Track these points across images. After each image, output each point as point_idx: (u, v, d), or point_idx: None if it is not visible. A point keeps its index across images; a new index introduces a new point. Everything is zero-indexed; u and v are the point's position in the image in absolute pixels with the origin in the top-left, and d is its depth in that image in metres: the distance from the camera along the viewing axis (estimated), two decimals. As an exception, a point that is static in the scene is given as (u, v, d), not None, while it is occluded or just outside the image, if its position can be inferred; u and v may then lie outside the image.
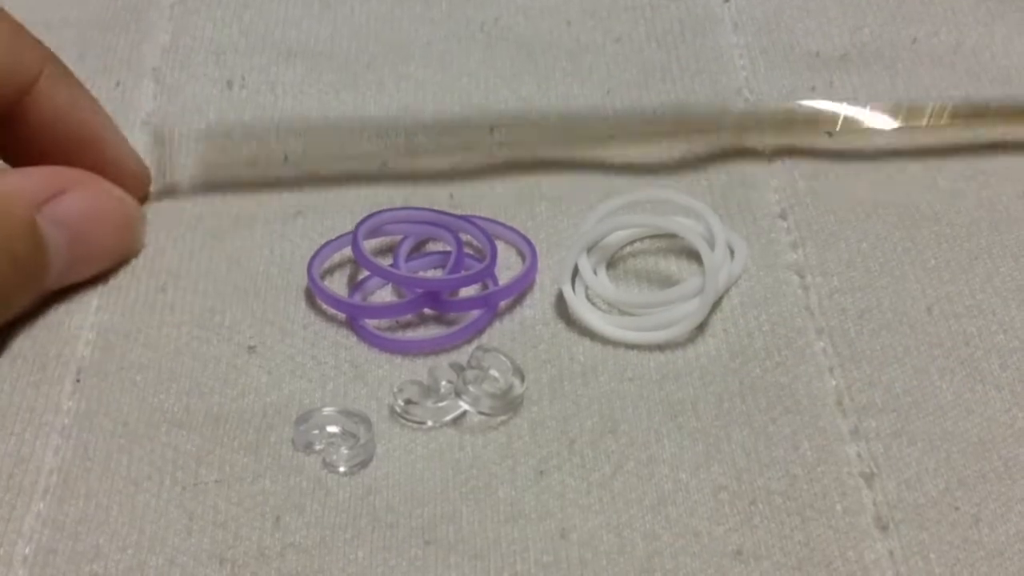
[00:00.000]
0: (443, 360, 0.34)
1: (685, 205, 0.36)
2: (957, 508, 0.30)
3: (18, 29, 0.36)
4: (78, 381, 0.34)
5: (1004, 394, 0.33)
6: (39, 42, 0.36)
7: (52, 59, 0.36)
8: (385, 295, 0.37)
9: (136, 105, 0.43)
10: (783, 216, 0.38)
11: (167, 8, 0.46)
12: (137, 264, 0.37)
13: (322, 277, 0.36)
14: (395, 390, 0.33)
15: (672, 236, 0.37)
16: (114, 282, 0.37)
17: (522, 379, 0.33)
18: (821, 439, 0.32)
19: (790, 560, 0.29)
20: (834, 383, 0.33)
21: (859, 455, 0.31)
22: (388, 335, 0.35)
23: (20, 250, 0.34)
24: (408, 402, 0.33)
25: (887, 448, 0.32)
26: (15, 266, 0.34)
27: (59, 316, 0.36)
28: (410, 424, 0.33)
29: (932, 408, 0.32)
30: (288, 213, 0.39)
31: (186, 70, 0.44)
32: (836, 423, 0.32)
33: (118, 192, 0.37)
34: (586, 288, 0.36)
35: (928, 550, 0.29)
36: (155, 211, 0.39)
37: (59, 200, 0.35)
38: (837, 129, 0.40)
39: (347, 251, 0.37)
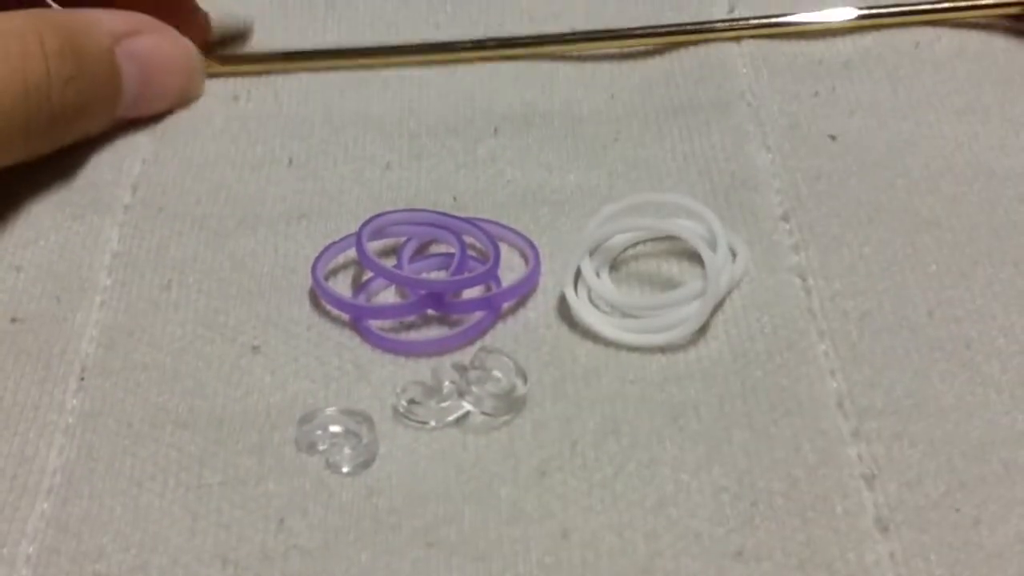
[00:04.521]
0: (446, 361, 0.34)
1: (687, 207, 0.36)
2: (958, 510, 0.30)
3: None
4: (82, 380, 0.34)
5: (1004, 397, 0.33)
6: None
7: None
8: (389, 296, 0.37)
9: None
10: (785, 219, 0.38)
11: None
12: (141, 261, 0.38)
13: (326, 278, 0.37)
14: (398, 390, 0.33)
15: (674, 239, 0.37)
16: (118, 278, 0.37)
17: (525, 380, 0.33)
18: (822, 441, 0.32)
19: (791, 561, 0.30)
20: (835, 385, 0.33)
21: (860, 457, 0.32)
22: (392, 336, 0.35)
23: (101, 73, 0.39)
24: (411, 402, 0.33)
25: (888, 450, 0.32)
26: (95, 86, 0.39)
27: (63, 312, 0.36)
28: (413, 424, 0.33)
29: (933, 410, 0.32)
30: (292, 215, 0.39)
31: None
32: (837, 425, 0.32)
33: (184, 40, 0.42)
34: (588, 290, 0.36)
35: (929, 552, 0.30)
36: (161, 206, 0.39)
37: (134, 38, 0.40)
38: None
39: (351, 252, 0.37)
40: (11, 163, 0.38)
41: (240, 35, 0.45)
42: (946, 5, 0.44)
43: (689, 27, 0.44)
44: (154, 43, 0.41)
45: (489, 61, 0.44)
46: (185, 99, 0.43)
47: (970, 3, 0.44)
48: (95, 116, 0.40)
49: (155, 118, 0.43)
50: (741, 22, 0.44)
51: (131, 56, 0.40)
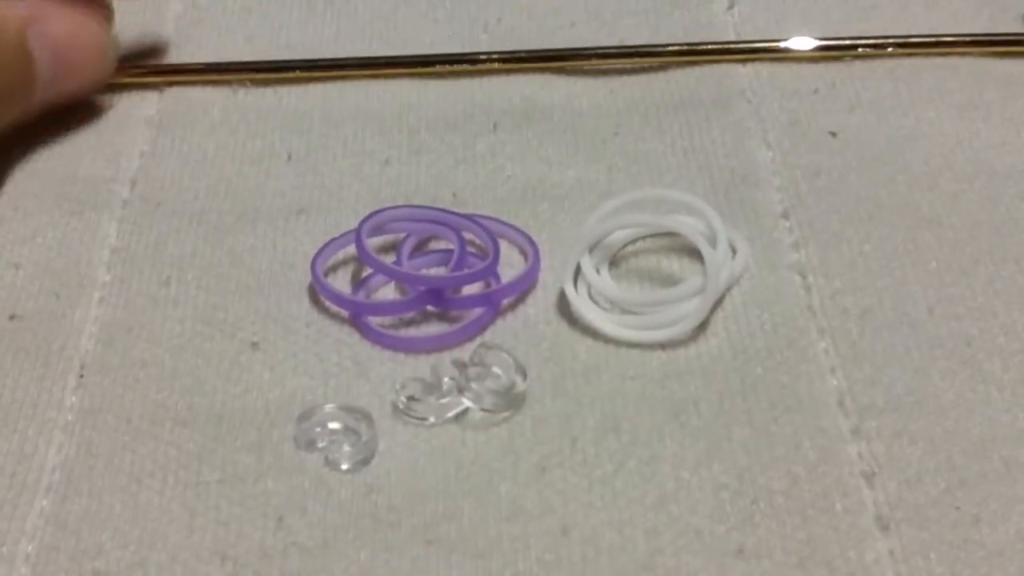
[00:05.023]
0: (446, 357, 0.34)
1: (687, 203, 0.36)
2: (958, 508, 0.30)
3: None
4: (81, 376, 0.34)
5: (1005, 395, 0.33)
6: None
7: None
8: (388, 292, 0.37)
9: (141, 107, 0.43)
10: (785, 216, 0.38)
11: (172, 19, 0.46)
12: (140, 257, 0.37)
13: (325, 274, 0.36)
14: (397, 387, 0.33)
15: (674, 235, 0.37)
16: (116, 274, 0.37)
17: (524, 376, 0.33)
18: (822, 439, 0.32)
19: (791, 559, 0.30)
20: (836, 383, 0.33)
21: (860, 455, 0.32)
22: (391, 332, 0.35)
23: (14, 63, 0.39)
24: (411, 399, 0.33)
25: (888, 448, 0.32)
26: (10, 76, 0.39)
27: (61, 308, 0.36)
28: (412, 421, 0.33)
29: (933, 408, 0.32)
30: (291, 210, 0.39)
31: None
32: (837, 423, 0.32)
33: (92, 22, 0.42)
34: (588, 287, 0.36)
35: (929, 550, 0.30)
36: (159, 201, 0.39)
37: (44, 24, 0.40)
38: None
39: (350, 248, 0.37)
40: None
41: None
42: (916, 40, 0.44)
43: (687, 48, 0.44)
44: (64, 27, 0.41)
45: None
46: (98, 81, 0.42)
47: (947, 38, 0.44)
48: (11, 106, 0.40)
49: (152, 111, 0.43)
50: (734, 45, 0.44)
51: (43, 42, 0.40)
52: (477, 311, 0.35)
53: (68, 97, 0.42)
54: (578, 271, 0.36)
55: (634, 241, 0.37)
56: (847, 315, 0.35)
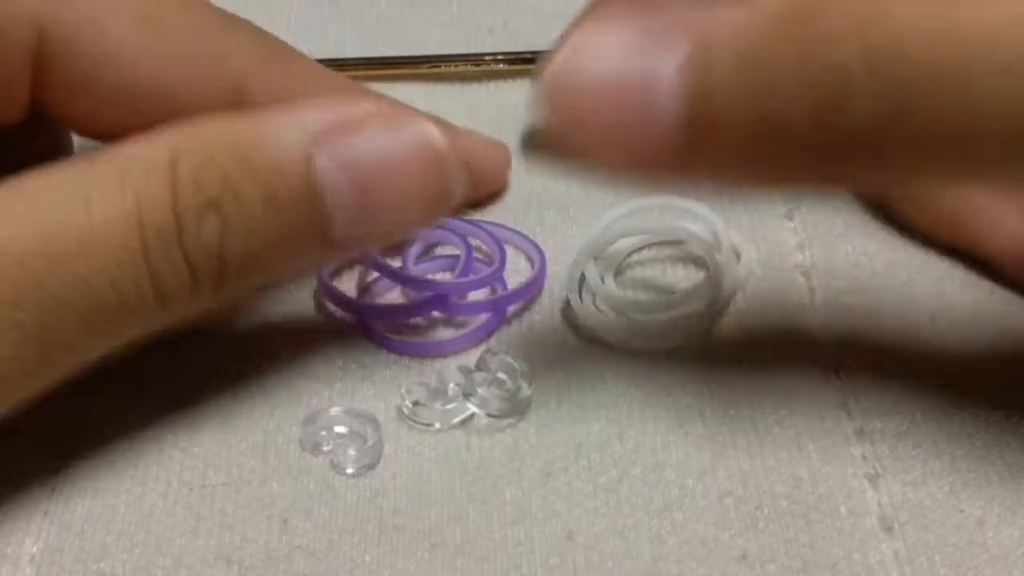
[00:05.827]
0: (451, 363, 0.34)
1: (691, 208, 0.36)
2: (962, 510, 0.30)
3: (225, 22, 0.33)
4: (83, 377, 0.34)
5: (1008, 396, 0.33)
6: (254, 34, 0.33)
7: (271, 53, 0.33)
8: (394, 297, 0.37)
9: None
10: (789, 217, 0.38)
11: None
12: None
13: (331, 278, 0.36)
14: (403, 391, 0.33)
15: (678, 242, 0.37)
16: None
17: (529, 383, 0.33)
18: (826, 440, 0.32)
19: (795, 563, 0.29)
20: (839, 384, 0.33)
21: (864, 456, 0.32)
22: (397, 337, 0.35)
23: (283, 194, 0.28)
24: (416, 404, 0.33)
25: (892, 449, 0.32)
26: (277, 214, 0.28)
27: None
28: (418, 426, 0.33)
29: (937, 410, 0.32)
30: (297, 215, 0.39)
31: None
32: (841, 424, 0.32)
33: (431, 129, 0.30)
34: (593, 294, 0.36)
35: (933, 552, 0.29)
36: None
37: (347, 135, 0.29)
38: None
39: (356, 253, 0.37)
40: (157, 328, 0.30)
41: None
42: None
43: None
44: (379, 138, 0.29)
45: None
46: (433, 213, 0.31)
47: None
48: (284, 254, 0.30)
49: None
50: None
51: (343, 163, 0.29)
52: (483, 317, 0.35)
53: (384, 241, 0.32)
54: (583, 279, 0.36)
55: (639, 250, 0.37)
56: (851, 316, 0.35)
